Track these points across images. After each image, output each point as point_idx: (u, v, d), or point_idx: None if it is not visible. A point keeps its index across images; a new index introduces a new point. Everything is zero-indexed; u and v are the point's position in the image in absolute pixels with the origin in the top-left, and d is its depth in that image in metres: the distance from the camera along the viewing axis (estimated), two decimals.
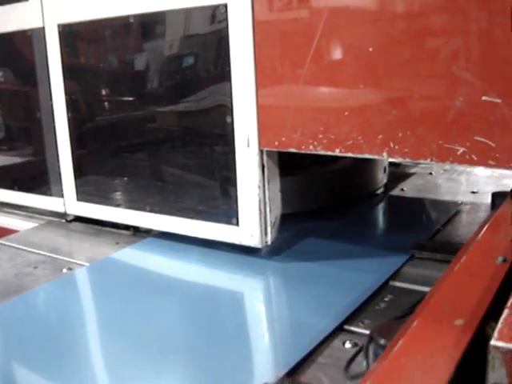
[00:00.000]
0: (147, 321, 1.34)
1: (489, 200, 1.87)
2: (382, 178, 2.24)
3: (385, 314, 1.30)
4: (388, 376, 0.72)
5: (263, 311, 1.44)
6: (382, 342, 0.96)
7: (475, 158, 1.21)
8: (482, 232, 1.15)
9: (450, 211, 1.99)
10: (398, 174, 2.53)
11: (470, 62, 1.19)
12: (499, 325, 0.72)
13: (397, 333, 0.86)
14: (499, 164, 1.19)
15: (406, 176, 2.54)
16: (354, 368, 1.10)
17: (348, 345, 1.18)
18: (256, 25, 1.45)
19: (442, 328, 0.80)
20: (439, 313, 0.86)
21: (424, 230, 1.81)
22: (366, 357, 1.02)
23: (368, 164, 2.15)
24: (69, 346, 1.25)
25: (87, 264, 1.72)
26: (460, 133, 1.21)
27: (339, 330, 1.24)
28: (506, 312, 0.76)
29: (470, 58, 1.19)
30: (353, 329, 1.25)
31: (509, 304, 0.78)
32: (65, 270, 1.68)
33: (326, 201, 2.03)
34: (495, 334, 0.70)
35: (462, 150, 1.21)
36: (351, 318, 1.28)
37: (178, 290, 1.53)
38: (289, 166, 1.72)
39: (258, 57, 1.46)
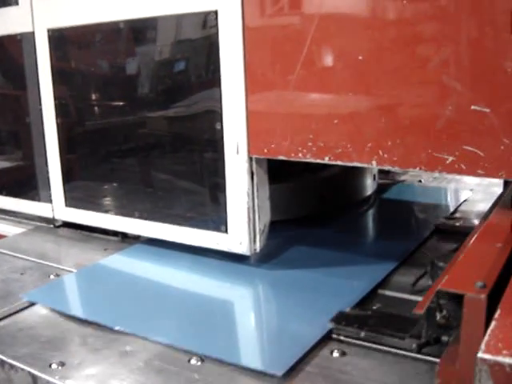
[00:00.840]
0: (135, 327, 1.33)
1: (479, 208, 1.91)
2: (371, 185, 2.24)
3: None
4: (451, 281, 0.95)
5: (251, 318, 1.44)
6: (441, 264, 1.24)
7: (464, 167, 1.21)
8: (501, 202, 1.41)
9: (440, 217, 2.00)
10: (387, 182, 2.54)
11: (459, 71, 1.19)
12: (486, 337, 0.72)
13: (451, 258, 1.15)
14: (488, 173, 1.19)
15: (396, 183, 2.54)
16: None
17: (336, 354, 1.18)
18: (246, 31, 1.44)
19: (487, 248, 1.08)
20: (483, 240, 1.15)
21: (413, 236, 1.81)
22: (431, 276, 1.31)
23: (357, 171, 2.15)
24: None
25: (75, 270, 1.70)
26: (449, 142, 1.21)
27: (327, 338, 1.24)
28: (493, 324, 0.76)
29: (459, 67, 1.19)
30: (341, 338, 1.24)
31: (496, 316, 0.78)
32: (52, 277, 1.66)
33: (315, 208, 2.02)
34: (482, 347, 0.70)
35: (450, 159, 1.21)
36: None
37: (166, 296, 1.52)
38: (278, 173, 1.72)
39: (248, 63, 1.46)
